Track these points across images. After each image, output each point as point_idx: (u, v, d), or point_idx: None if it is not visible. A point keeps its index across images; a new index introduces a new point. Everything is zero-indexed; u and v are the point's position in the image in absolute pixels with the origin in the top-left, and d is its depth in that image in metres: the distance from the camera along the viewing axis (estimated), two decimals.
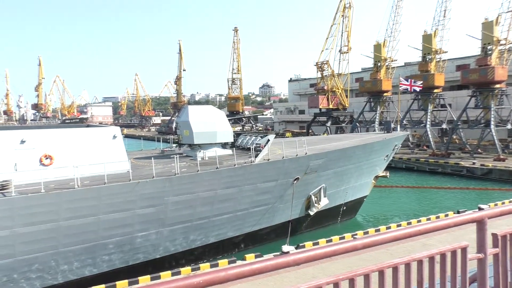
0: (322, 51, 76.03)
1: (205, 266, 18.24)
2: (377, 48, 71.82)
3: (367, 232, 22.27)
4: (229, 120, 32.13)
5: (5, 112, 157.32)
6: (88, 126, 27.71)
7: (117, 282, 16.39)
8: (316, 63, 77.25)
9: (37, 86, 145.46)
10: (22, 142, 19.27)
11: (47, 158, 19.55)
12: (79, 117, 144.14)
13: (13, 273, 17.18)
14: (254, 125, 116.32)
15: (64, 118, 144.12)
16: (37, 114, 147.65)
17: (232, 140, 29.49)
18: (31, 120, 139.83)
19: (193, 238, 22.60)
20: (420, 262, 3.34)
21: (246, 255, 18.96)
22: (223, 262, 18.08)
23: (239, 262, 17.91)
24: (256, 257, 18.76)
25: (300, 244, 20.06)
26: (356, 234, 21.21)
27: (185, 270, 17.84)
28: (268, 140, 26.54)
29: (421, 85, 57.76)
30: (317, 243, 20.15)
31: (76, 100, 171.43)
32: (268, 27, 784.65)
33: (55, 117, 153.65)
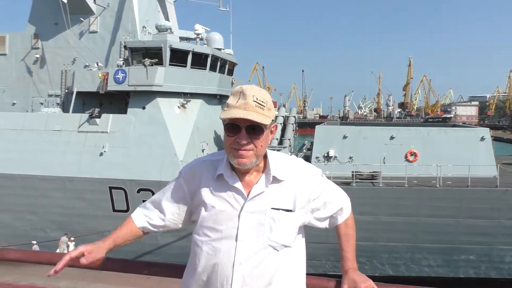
0: None
1: None
2: None
3: None
4: None
5: (375, 110, 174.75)
6: (453, 125, 27.29)
7: None
8: None
9: (404, 85, 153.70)
10: (391, 138, 21.04)
11: (412, 155, 20.59)
12: (441, 116, 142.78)
13: (372, 255, 19.14)
14: None
15: (427, 117, 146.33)
16: (402, 112, 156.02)
17: None
18: (396, 118, 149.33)
19: None
20: None
21: None
22: None
23: None
24: None
25: None
26: None
27: None
28: None
29: None
30: None
31: (441, 99, 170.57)
32: None
33: (418, 116, 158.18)
